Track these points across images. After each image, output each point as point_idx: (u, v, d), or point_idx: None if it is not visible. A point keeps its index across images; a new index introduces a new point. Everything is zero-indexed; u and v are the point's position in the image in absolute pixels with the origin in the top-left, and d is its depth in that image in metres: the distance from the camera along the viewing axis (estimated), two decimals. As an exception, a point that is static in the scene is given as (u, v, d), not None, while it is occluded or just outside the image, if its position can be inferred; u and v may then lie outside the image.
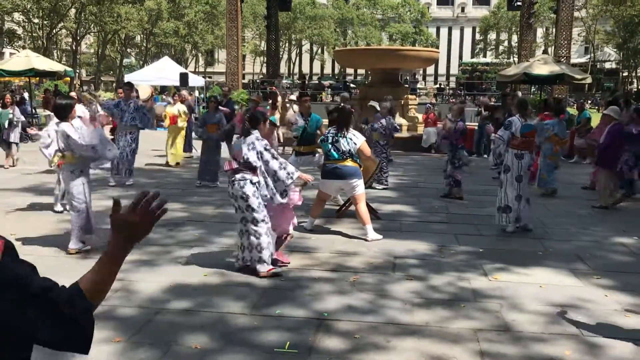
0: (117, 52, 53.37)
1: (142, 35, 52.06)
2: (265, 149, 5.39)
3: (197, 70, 61.59)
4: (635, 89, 45.15)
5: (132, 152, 10.40)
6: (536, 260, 6.08)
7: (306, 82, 35.45)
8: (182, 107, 12.88)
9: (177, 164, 12.69)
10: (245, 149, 5.35)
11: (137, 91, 12.81)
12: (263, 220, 5.31)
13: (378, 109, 10.54)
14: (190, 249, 6.21)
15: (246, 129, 5.52)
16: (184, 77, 18.28)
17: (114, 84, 52.04)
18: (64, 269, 5.43)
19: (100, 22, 41.74)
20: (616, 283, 5.39)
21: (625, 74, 53.51)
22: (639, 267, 5.97)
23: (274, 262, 5.45)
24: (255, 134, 5.45)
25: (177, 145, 12.82)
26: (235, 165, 5.42)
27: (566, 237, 7.12)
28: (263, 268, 5.27)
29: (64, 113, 6.10)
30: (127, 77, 25.68)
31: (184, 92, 14.73)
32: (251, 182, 5.29)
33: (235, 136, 5.71)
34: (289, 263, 5.68)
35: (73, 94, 11.80)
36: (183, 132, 13.03)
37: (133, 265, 5.59)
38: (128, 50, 55.81)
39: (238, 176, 5.34)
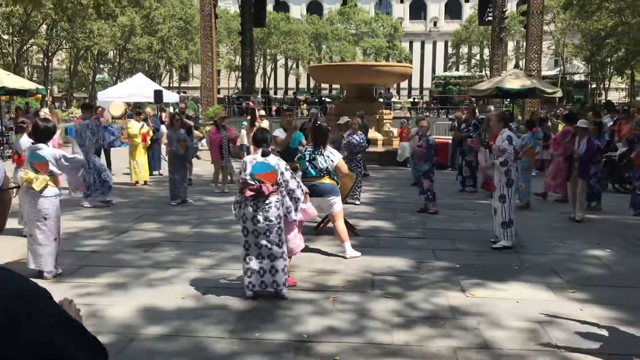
0: (90, 68, 52.85)
1: (115, 51, 51.66)
2: (286, 169, 5.39)
3: (171, 85, 61.27)
4: (604, 101, 46.17)
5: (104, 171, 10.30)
6: (512, 275, 6.14)
7: (269, 96, 35.27)
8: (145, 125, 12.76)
9: (145, 182, 12.52)
10: (278, 171, 5.30)
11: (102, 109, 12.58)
12: (284, 242, 5.30)
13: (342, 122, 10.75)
14: (166, 271, 6.13)
15: (265, 150, 5.42)
16: (158, 94, 18.17)
17: (87, 100, 51.50)
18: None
19: (72, 38, 41.42)
20: (591, 296, 5.46)
21: (594, 85, 54.74)
22: (612, 279, 6.06)
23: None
24: (274, 154, 5.44)
25: (144, 163, 12.63)
26: (259, 187, 5.23)
27: (541, 250, 7.21)
28: (285, 291, 5.26)
29: (46, 136, 6.03)
30: (100, 94, 25.50)
31: (148, 109, 14.66)
32: (275, 203, 5.23)
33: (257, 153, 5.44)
34: (295, 284, 5.64)
35: (44, 110, 11.59)
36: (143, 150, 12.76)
37: (106, 289, 5.50)
38: (101, 66, 55.30)
39: (262, 198, 5.19)
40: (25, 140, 7.49)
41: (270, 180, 5.27)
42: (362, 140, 10.60)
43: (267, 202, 5.20)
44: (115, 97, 22.85)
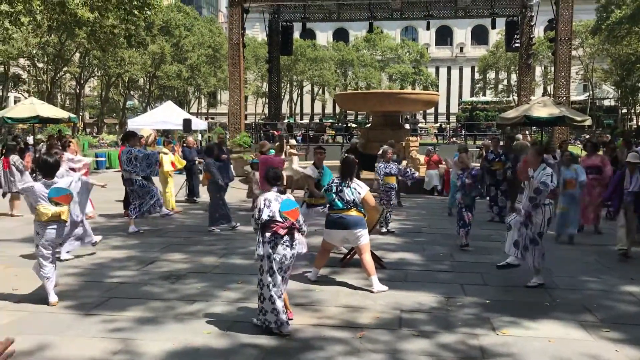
0: (121, 95, 54.10)
1: (145, 78, 52.81)
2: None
3: (199, 111, 62.30)
4: (635, 126, 45.46)
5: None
6: (544, 312, 6.00)
7: (290, 122, 35.68)
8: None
9: (173, 209, 12.71)
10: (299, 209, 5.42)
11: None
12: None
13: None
14: (192, 304, 6.13)
15: (280, 189, 5.55)
16: (187, 123, 18.46)
17: (117, 126, 52.58)
18: (64, 326, 5.38)
19: (104, 66, 42.45)
20: (626, 336, 5.29)
21: (624, 111, 53.94)
22: (649, 318, 5.88)
23: None
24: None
25: (170, 191, 12.90)
26: (286, 225, 5.30)
27: (573, 285, 7.04)
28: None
29: (51, 171, 6.22)
30: (131, 122, 25.98)
31: (190, 139, 15.12)
32: (298, 239, 5.39)
33: (273, 191, 5.51)
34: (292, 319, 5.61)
35: (72, 146, 11.87)
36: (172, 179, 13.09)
37: (136, 323, 5.52)
38: (131, 92, 56.53)
39: (287, 237, 5.29)
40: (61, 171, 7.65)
41: (295, 217, 5.35)
42: (396, 172, 10.61)
43: (295, 239, 5.29)
44: (145, 124, 23.29)
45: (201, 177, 12.41)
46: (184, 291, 6.65)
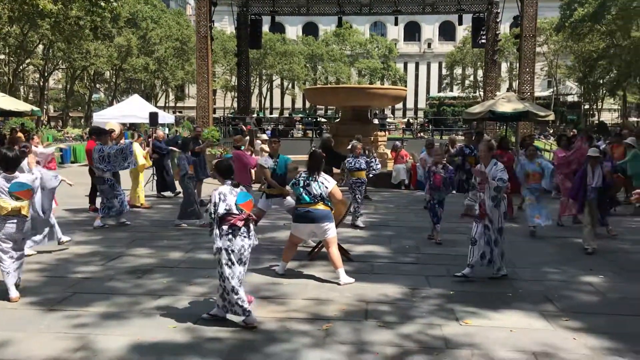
0: (86, 88, 53.07)
1: (111, 71, 51.89)
2: None
3: (167, 105, 61.53)
4: (597, 121, 46.57)
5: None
6: (506, 303, 6.13)
7: (259, 117, 35.85)
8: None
9: (142, 204, 12.57)
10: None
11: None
12: None
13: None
14: (158, 299, 6.09)
15: (234, 182, 5.54)
16: (153, 117, 18.19)
17: (83, 120, 51.60)
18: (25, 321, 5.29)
19: (69, 58, 41.58)
20: (584, 325, 5.45)
21: (587, 106, 55.25)
22: (605, 307, 6.06)
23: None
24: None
25: (141, 186, 12.75)
26: (243, 216, 5.35)
27: (535, 277, 7.20)
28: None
29: (12, 165, 6.10)
30: (96, 115, 25.56)
31: (160, 132, 14.97)
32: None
33: (227, 184, 5.51)
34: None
35: (35, 139, 11.68)
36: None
37: (100, 319, 5.46)
38: (97, 86, 55.51)
39: (244, 229, 5.35)
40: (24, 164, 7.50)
41: (250, 208, 5.44)
42: (365, 166, 10.67)
43: (251, 229, 5.40)
44: (110, 118, 22.91)
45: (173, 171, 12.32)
46: (150, 286, 6.59)
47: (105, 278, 6.92)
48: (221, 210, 5.26)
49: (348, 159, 10.76)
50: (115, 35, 42.39)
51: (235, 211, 5.29)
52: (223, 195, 5.33)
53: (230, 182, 5.47)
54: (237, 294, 5.22)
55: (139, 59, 47.81)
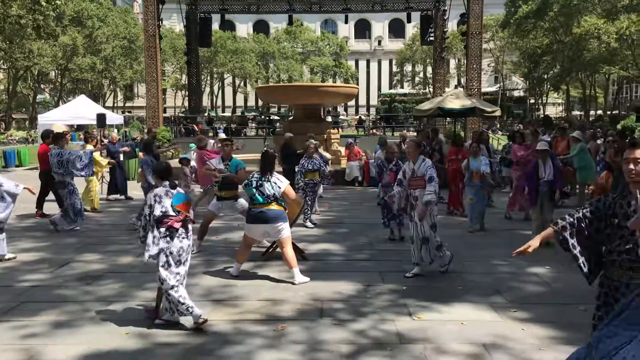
0: (30, 89, 51.29)
1: (56, 71, 50.33)
2: None
3: (115, 105, 60.14)
4: (543, 115, 48.07)
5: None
6: (457, 296, 6.28)
7: (210, 116, 35.71)
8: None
9: (94, 208, 12.30)
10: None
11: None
12: None
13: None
14: (109, 305, 5.97)
15: (172, 183, 5.52)
16: (101, 118, 17.78)
17: (27, 122, 49.88)
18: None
19: (11, 58, 40.07)
20: (531, 315, 5.64)
21: (533, 101, 56.93)
22: (551, 297, 6.28)
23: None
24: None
25: (95, 189, 12.48)
26: (180, 218, 5.35)
27: (484, 270, 7.40)
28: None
29: None
30: (42, 117, 24.81)
31: (114, 134, 14.82)
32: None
33: (163, 186, 5.46)
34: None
35: None
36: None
37: (50, 328, 5.32)
38: (42, 86, 53.73)
39: (182, 230, 5.34)
40: None
41: (187, 209, 5.45)
42: (320, 166, 10.65)
43: (189, 230, 5.41)
44: (57, 120, 22.27)
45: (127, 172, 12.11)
46: (100, 292, 6.45)
47: (54, 286, 6.73)
48: (157, 212, 5.22)
49: (302, 161, 10.70)
50: (60, 34, 41.08)
51: (172, 213, 5.26)
52: (159, 197, 5.29)
53: (167, 183, 5.43)
54: (177, 292, 5.22)
55: (85, 59, 46.51)
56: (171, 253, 5.23)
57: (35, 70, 45.37)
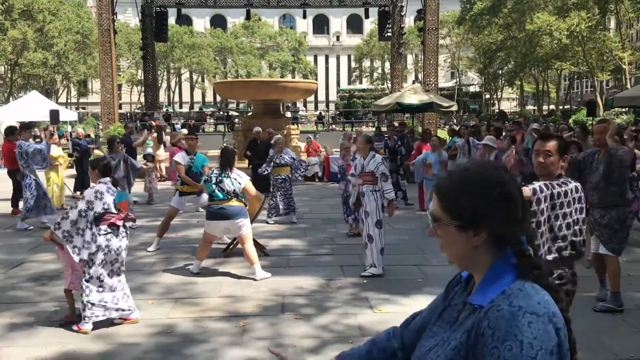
0: (-23, 85, 49.46)
1: (5, 67, 48.63)
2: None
3: (69, 101, 58.62)
4: (497, 110, 49.12)
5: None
6: (417, 288, 6.40)
7: (168, 112, 35.41)
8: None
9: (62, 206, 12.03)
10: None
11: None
12: None
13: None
14: (66, 305, 5.84)
15: (114, 179, 5.54)
16: (54, 114, 17.30)
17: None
18: None
19: (-43, 52, 38.59)
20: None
21: (488, 96, 58.10)
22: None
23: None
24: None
25: (53, 186, 12.17)
26: (122, 216, 5.32)
27: (443, 261, 7.53)
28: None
29: None
30: (-10, 114, 23.92)
31: (79, 130, 14.64)
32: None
33: (104, 182, 5.40)
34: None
35: None
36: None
37: (4, 330, 5.18)
38: (-10, 82, 51.88)
39: (122, 228, 5.30)
40: None
41: (127, 208, 5.43)
42: (290, 162, 10.56)
43: (127, 229, 5.39)
44: (7, 116, 21.56)
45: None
46: (57, 293, 6.30)
47: (7, 287, 6.55)
48: (99, 209, 5.13)
49: (270, 156, 10.62)
50: (9, 28, 39.74)
51: (113, 210, 5.21)
52: (100, 194, 5.20)
53: (109, 180, 5.38)
54: (114, 290, 5.21)
55: (36, 53, 45.05)
56: (110, 251, 5.15)
57: (-17, 65, 43.80)
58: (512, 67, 45.44)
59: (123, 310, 5.25)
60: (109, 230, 5.14)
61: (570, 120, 27.33)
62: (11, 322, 5.39)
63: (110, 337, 5.03)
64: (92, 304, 5.08)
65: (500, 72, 50.43)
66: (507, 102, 64.59)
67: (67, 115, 27.10)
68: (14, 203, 11.27)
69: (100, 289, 5.14)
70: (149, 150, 14.94)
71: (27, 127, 10.43)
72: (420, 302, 5.86)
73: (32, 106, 23.51)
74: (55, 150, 11.99)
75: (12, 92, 47.95)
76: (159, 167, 16.02)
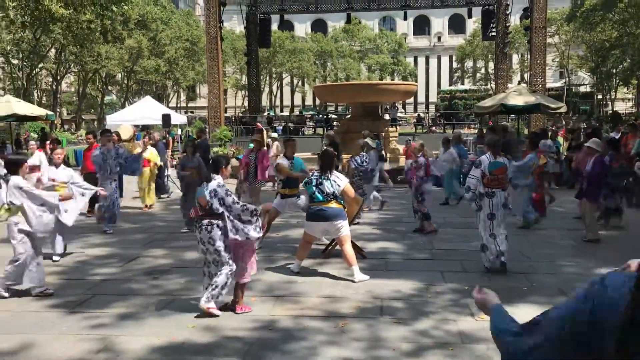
0: (98, 91, 53.40)
1: (123, 73, 52.17)
2: (227, 194, 5.55)
3: (179, 105, 61.80)
4: (611, 111, 46.12)
5: (117, 199, 10.34)
6: (521, 296, 6.15)
7: (270, 115, 36.32)
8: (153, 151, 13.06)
9: (151, 206, 12.72)
10: (207, 196, 5.51)
11: (117, 134, 12.75)
12: (228, 263, 5.55)
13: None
14: (176, 299, 6.18)
15: (207, 175, 5.81)
16: (166, 118, 18.34)
17: (95, 122, 52.03)
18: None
19: (81, 61, 41.85)
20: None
21: (600, 96, 54.70)
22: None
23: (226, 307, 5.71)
24: (218, 179, 5.62)
25: (151, 188, 12.91)
26: (199, 211, 5.63)
27: (550, 270, 7.20)
28: (207, 304, 5.50)
29: (14, 167, 6.38)
30: (109, 118, 25.76)
31: (156, 134, 15.10)
32: (218, 226, 5.54)
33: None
34: (250, 310, 5.73)
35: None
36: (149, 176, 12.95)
37: (120, 320, 5.55)
38: (109, 88, 55.85)
39: (205, 222, 5.56)
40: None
41: (202, 203, 5.63)
42: (362, 163, 10.62)
43: (200, 224, 5.63)
44: (124, 120, 23.06)
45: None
46: (167, 286, 6.68)
47: (124, 280, 7.03)
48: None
49: (356, 157, 10.74)
50: (126, 37, 42.61)
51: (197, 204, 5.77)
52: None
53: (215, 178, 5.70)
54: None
55: (149, 61, 48.04)
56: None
57: (103, 72, 47.17)
58: (627, 66, 42.48)
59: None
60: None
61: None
62: (125, 312, 5.77)
63: (217, 330, 5.26)
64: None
65: (614, 70, 47.28)
66: (622, 103, 60.47)
67: (177, 118, 28.56)
68: (91, 204, 11.78)
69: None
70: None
71: (105, 132, 10.77)
72: (524, 311, 5.63)
73: (145, 110, 24.99)
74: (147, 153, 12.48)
75: (128, 97, 51.32)
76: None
